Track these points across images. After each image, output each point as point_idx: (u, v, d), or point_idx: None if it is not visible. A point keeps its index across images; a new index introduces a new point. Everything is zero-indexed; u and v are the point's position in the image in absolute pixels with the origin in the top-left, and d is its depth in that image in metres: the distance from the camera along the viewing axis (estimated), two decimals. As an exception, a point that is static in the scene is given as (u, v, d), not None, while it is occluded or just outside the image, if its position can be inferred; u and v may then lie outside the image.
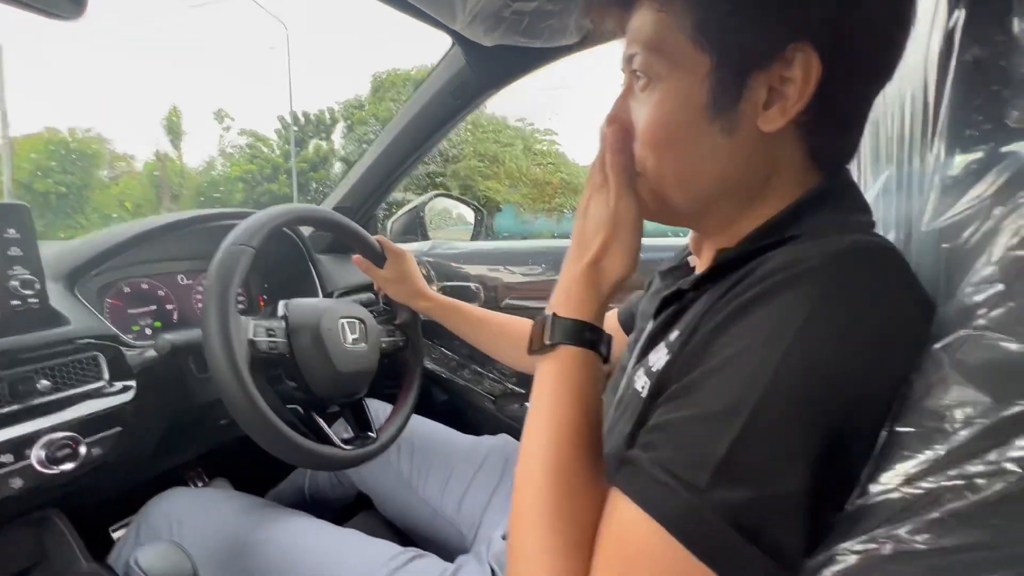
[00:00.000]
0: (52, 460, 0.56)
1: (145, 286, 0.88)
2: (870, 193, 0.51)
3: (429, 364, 1.24)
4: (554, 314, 0.42)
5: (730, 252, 0.39)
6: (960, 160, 0.38)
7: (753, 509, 0.28)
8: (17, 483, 0.53)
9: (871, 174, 0.54)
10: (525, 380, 1.15)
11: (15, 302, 0.57)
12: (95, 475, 0.63)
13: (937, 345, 0.30)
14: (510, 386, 1.17)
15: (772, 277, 0.32)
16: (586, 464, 0.37)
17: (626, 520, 0.31)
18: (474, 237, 1.47)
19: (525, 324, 0.85)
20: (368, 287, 1.10)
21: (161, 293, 0.91)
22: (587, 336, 0.41)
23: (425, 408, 0.97)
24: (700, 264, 0.48)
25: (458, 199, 1.42)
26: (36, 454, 0.55)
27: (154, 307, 0.89)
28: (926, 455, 0.28)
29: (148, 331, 0.87)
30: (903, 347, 0.31)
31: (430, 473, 0.86)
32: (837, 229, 0.36)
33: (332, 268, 1.10)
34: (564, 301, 0.42)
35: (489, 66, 0.90)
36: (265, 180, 17.82)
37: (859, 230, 0.37)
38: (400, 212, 1.32)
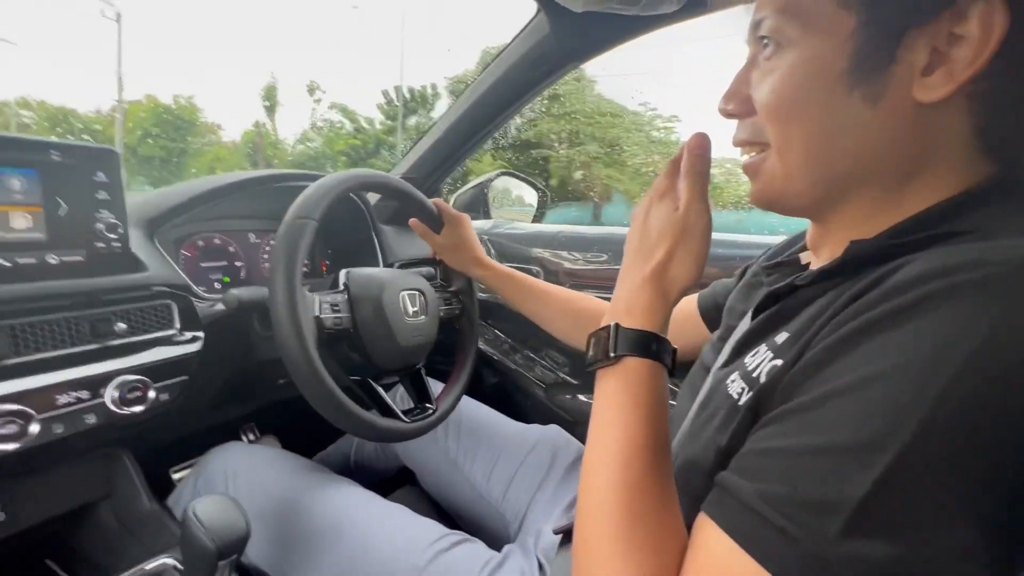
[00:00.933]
0: (124, 401, 0.57)
1: (218, 241, 0.90)
2: None
3: (482, 344, 1.22)
4: (618, 324, 0.39)
5: (867, 244, 0.33)
6: None
7: (899, 569, 0.23)
8: (91, 419, 0.55)
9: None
10: (578, 370, 1.11)
11: (100, 244, 0.59)
12: (158, 420, 0.65)
13: None
14: (563, 375, 1.12)
15: (929, 283, 0.26)
16: (658, 485, 0.34)
17: (726, 561, 0.27)
18: (536, 219, 1.43)
19: (589, 301, 0.80)
20: (428, 261, 1.08)
21: (232, 249, 0.92)
22: (654, 348, 0.38)
23: (475, 389, 0.95)
24: (819, 260, 0.42)
25: (523, 179, 1.38)
26: (110, 394, 0.56)
27: (224, 262, 0.91)
28: None
29: (217, 285, 0.89)
30: None
31: (477, 455, 0.84)
32: (1022, 231, 0.28)
33: (394, 239, 1.09)
34: (627, 311, 0.40)
35: (575, 35, 0.85)
36: (368, 155, 18.32)
37: None
38: (465, 187, 1.30)
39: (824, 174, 0.35)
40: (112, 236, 0.59)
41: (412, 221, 0.84)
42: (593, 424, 0.38)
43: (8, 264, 0.52)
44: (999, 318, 0.24)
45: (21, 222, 0.53)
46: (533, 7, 0.85)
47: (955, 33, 0.29)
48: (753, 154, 0.39)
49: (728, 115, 0.40)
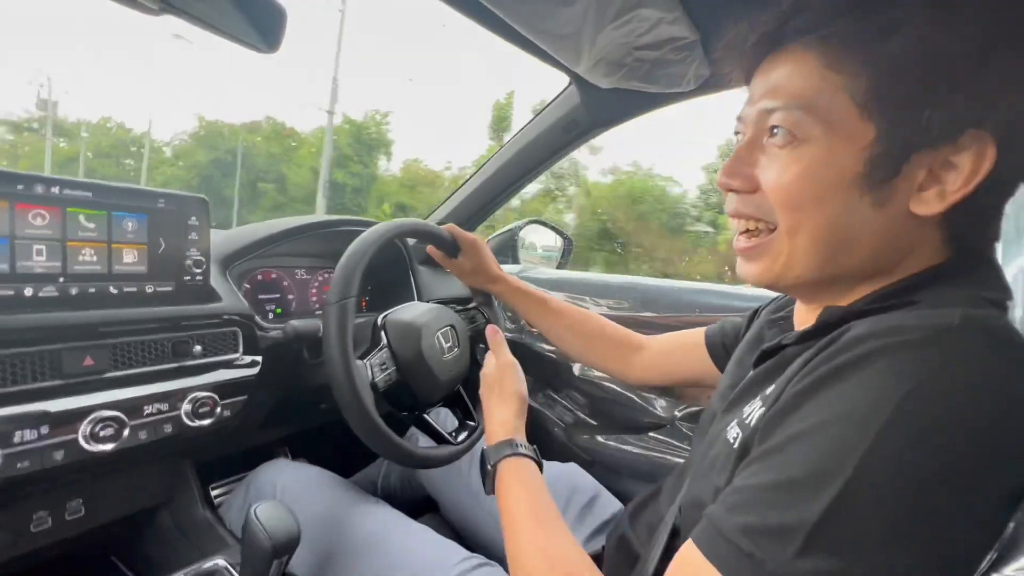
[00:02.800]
0: (195, 415, 0.65)
1: (273, 276, 1.00)
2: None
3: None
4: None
5: (838, 310, 0.38)
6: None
7: None
8: (168, 429, 0.63)
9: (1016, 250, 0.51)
10: (597, 412, 1.15)
11: (187, 277, 0.69)
12: (212, 436, 0.73)
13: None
14: (582, 416, 1.17)
15: (866, 343, 0.31)
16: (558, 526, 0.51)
17: None
18: (559, 266, 1.51)
19: (599, 321, 0.86)
20: (461, 300, 1.16)
21: (285, 283, 1.02)
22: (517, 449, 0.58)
23: None
24: (803, 318, 0.47)
25: (552, 227, 1.47)
26: (184, 407, 0.65)
27: (278, 295, 1.01)
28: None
29: (271, 315, 0.99)
30: (1014, 425, 0.28)
31: None
32: (958, 302, 0.33)
33: (430, 278, 1.18)
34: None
35: (602, 106, 0.95)
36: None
37: (985, 307, 0.34)
38: (496, 233, 1.39)
39: (824, 262, 0.39)
40: (197, 271, 0.69)
41: (429, 249, 0.91)
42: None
43: (116, 291, 0.62)
44: (922, 375, 0.29)
45: (130, 257, 0.63)
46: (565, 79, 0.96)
47: (951, 161, 0.34)
48: (751, 229, 0.42)
49: (729, 190, 0.43)
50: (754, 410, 0.40)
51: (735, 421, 0.42)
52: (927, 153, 0.34)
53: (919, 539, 0.27)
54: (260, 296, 0.98)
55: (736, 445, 0.39)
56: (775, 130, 0.38)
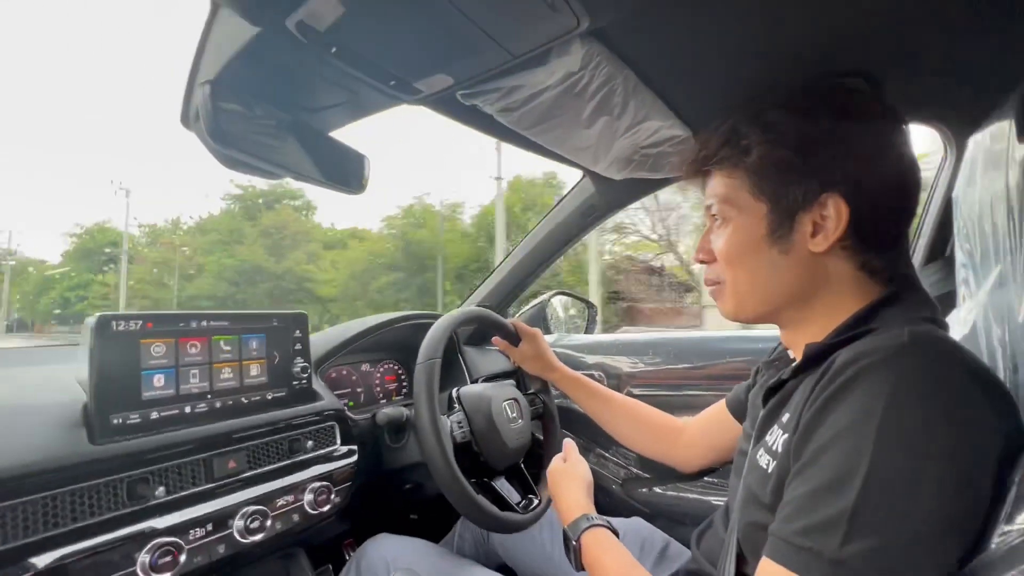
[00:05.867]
0: (316, 503, 0.74)
1: (344, 372, 1.12)
2: (986, 286, 0.60)
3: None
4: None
5: (815, 346, 0.50)
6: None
7: (890, 551, 0.36)
8: (296, 518, 0.72)
9: (982, 269, 0.63)
10: (648, 464, 1.22)
11: (295, 383, 0.80)
12: (324, 524, 0.81)
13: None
14: (634, 470, 1.24)
15: (845, 372, 0.42)
16: None
17: None
18: (587, 331, 1.63)
19: (646, 409, 0.96)
20: (505, 374, 1.27)
21: (353, 378, 1.14)
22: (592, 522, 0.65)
23: None
24: (796, 355, 0.59)
25: (576, 296, 1.60)
26: (307, 497, 0.74)
27: (348, 389, 1.12)
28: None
29: (346, 408, 1.09)
30: (978, 412, 0.38)
31: None
32: (904, 322, 0.44)
33: (476, 357, 1.29)
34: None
35: (615, 193, 1.12)
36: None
37: (923, 323, 0.45)
38: (526, 308, 1.52)
39: (762, 297, 0.54)
40: (303, 376, 0.81)
41: (496, 339, 1.04)
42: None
43: (246, 401, 0.73)
44: (894, 385, 0.39)
45: (255, 370, 0.75)
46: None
47: (823, 215, 0.49)
48: (714, 284, 0.59)
49: (700, 262, 0.60)
50: (776, 437, 0.50)
51: (762, 450, 0.52)
52: (805, 212, 0.50)
53: (931, 507, 0.36)
54: (335, 392, 1.08)
55: (770, 469, 0.49)
56: (715, 217, 0.56)
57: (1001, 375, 0.53)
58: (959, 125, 0.85)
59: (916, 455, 0.37)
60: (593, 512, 0.68)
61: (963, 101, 0.77)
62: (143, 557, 0.56)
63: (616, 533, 0.65)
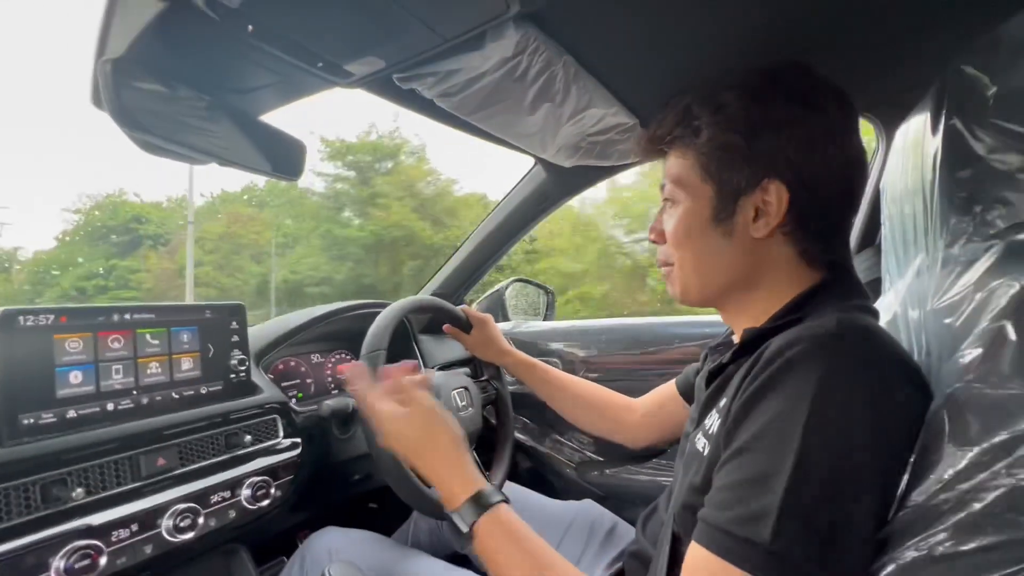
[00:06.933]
0: (255, 498, 0.73)
1: (292, 363, 1.09)
2: (907, 274, 0.63)
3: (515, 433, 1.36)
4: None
5: (753, 331, 0.52)
6: (955, 253, 0.50)
7: (823, 537, 0.37)
8: (232, 514, 0.70)
9: (903, 258, 0.66)
10: (603, 448, 1.25)
11: (232, 376, 0.78)
12: (264, 519, 0.79)
13: (941, 394, 0.41)
14: (589, 454, 1.26)
15: (774, 361, 0.42)
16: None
17: (715, 570, 0.40)
18: (546, 318, 1.64)
19: (599, 390, 0.97)
20: (460, 362, 1.27)
21: (302, 369, 1.11)
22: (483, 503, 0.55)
23: (512, 474, 1.09)
24: (738, 339, 0.60)
25: (533, 283, 1.60)
26: (244, 492, 0.72)
27: (297, 380, 1.10)
28: (946, 474, 0.38)
29: (293, 401, 1.07)
30: (900, 395, 0.40)
31: None
32: (834, 311, 0.45)
33: (431, 346, 1.28)
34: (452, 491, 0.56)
35: (565, 179, 1.11)
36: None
37: (853, 311, 0.47)
38: (483, 296, 1.52)
39: (705, 282, 0.55)
40: (241, 369, 0.79)
41: (446, 327, 1.03)
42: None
43: (177, 396, 0.71)
44: (823, 376, 0.40)
45: (188, 364, 0.72)
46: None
47: (765, 200, 0.50)
48: (666, 266, 0.59)
49: (653, 242, 0.61)
50: (713, 421, 0.51)
51: (700, 433, 0.53)
52: (748, 197, 0.51)
53: (858, 492, 0.38)
54: (283, 384, 1.06)
55: (705, 452, 0.49)
56: (667, 198, 0.57)
57: (916, 357, 0.55)
58: (889, 115, 0.88)
59: (842, 443, 0.38)
60: (481, 483, 0.56)
61: (893, 92, 0.80)
62: (58, 562, 0.53)
63: (507, 500, 0.57)
